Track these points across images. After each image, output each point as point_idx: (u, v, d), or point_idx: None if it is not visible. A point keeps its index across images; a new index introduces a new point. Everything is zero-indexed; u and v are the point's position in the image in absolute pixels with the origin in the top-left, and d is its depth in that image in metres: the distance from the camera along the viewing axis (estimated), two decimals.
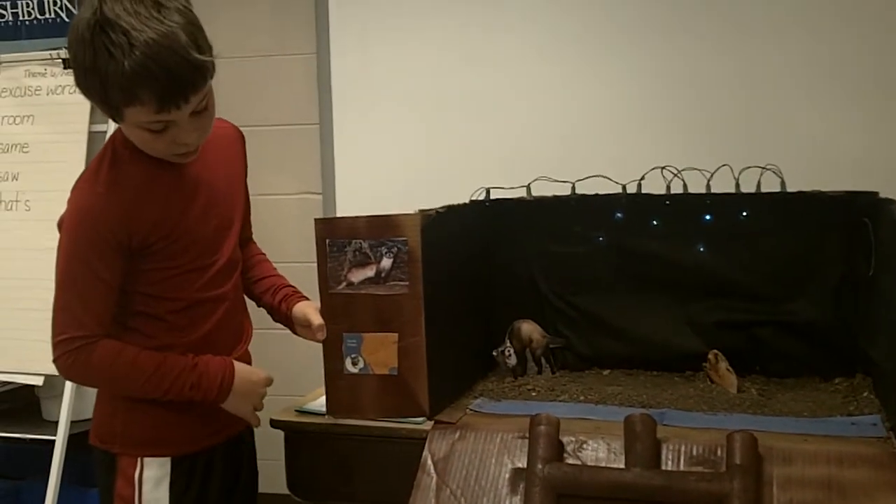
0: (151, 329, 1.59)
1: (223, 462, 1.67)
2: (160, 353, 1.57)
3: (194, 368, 1.58)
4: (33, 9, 2.98)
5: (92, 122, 2.68)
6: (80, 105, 2.62)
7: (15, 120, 2.70)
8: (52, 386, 2.57)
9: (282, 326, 1.84)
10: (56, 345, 1.54)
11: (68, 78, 2.67)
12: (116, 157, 1.55)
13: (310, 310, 1.73)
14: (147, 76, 1.42)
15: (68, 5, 2.96)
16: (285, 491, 1.82)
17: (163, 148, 1.54)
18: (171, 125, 1.50)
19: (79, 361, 1.52)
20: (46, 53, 2.66)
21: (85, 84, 1.47)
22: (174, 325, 1.60)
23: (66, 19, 2.92)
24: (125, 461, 1.60)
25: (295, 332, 1.79)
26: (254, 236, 1.89)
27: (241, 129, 1.80)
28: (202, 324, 1.63)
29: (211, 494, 1.65)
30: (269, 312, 1.85)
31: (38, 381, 2.52)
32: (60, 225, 1.57)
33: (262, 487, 2.97)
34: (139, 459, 1.59)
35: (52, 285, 1.57)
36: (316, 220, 1.71)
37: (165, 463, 1.60)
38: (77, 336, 1.52)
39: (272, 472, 2.76)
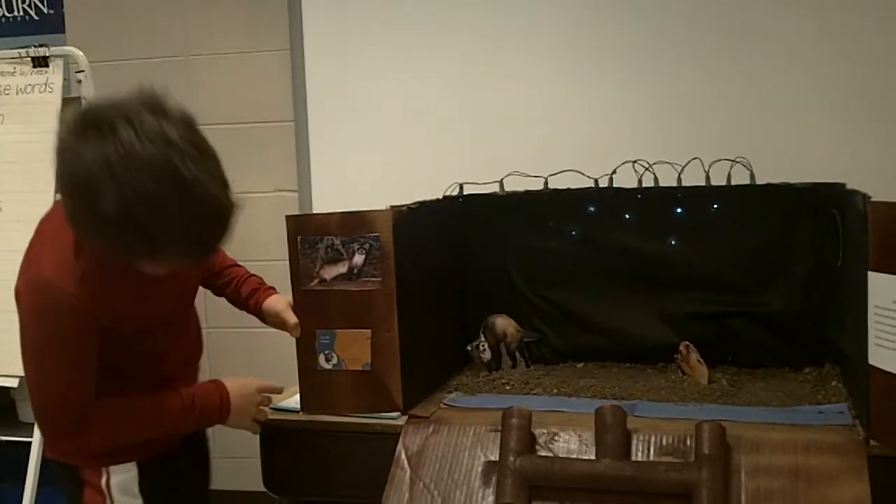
0: (114, 383, 1.50)
1: (187, 458, 1.66)
2: (152, 396, 1.51)
3: (192, 405, 1.53)
4: (1, 6, 2.96)
5: (62, 121, 2.66)
6: (50, 104, 2.59)
7: None
8: (27, 388, 2.55)
9: (257, 324, 1.84)
10: (47, 432, 1.48)
11: (38, 77, 2.65)
12: (73, 248, 1.42)
13: (281, 306, 1.73)
14: (199, 245, 1.36)
15: (38, 3, 2.94)
16: (261, 488, 1.82)
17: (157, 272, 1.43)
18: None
19: (78, 441, 1.48)
20: (15, 52, 2.63)
21: (113, 223, 1.27)
22: (135, 372, 1.54)
23: (36, 17, 2.91)
24: (89, 472, 1.56)
25: (264, 322, 1.79)
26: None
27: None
28: (162, 365, 1.59)
29: (180, 489, 1.65)
30: (231, 301, 1.83)
31: (13, 382, 2.49)
32: (18, 295, 1.43)
33: (239, 485, 2.99)
34: (104, 469, 1.56)
35: None
36: (287, 217, 1.71)
37: (132, 467, 1.57)
38: (67, 420, 1.45)
39: (248, 470, 2.75)
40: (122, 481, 1.57)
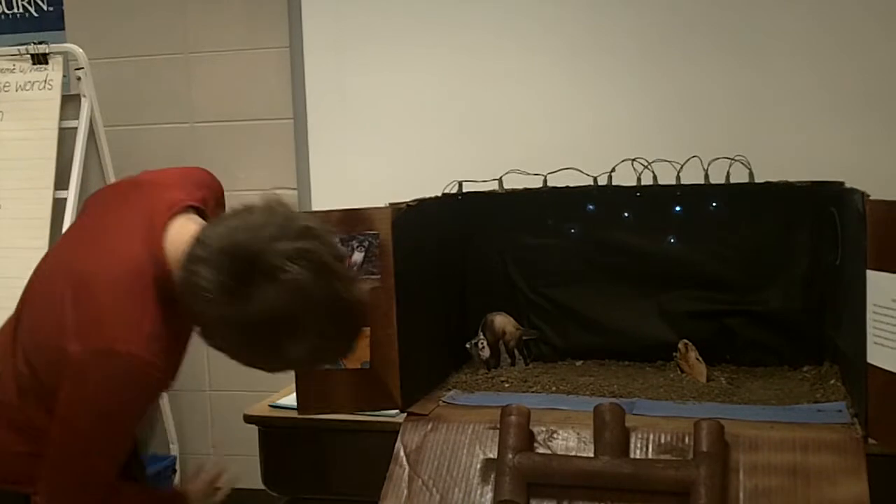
0: None
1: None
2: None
3: None
4: (1, 3, 2.96)
5: (62, 118, 2.66)
6: (50, 101, 2.60)
7: None
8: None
9: None
10: (53, 495, 1.37)
11: (37, 73, 2.65)
12: (164, 320, 1.33)
13: None
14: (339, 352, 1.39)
15: (37, 1, 2.94)
16: (260, 486, 1.82)
17: None
18: None
19: None
20: (15, 49, 2.63)
21: (286, 359, 1.28)
22: None
23: (35, 14, 2.90)
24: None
25: None
26: None
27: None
28: None
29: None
30: None
31: None
32: (71, 360, 1.29)
33: (239, 483, 2.99)
34: None
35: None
36: None
37: None
38: (92, 495, 1.37)
39: (247, 468, 2.75)
40: None
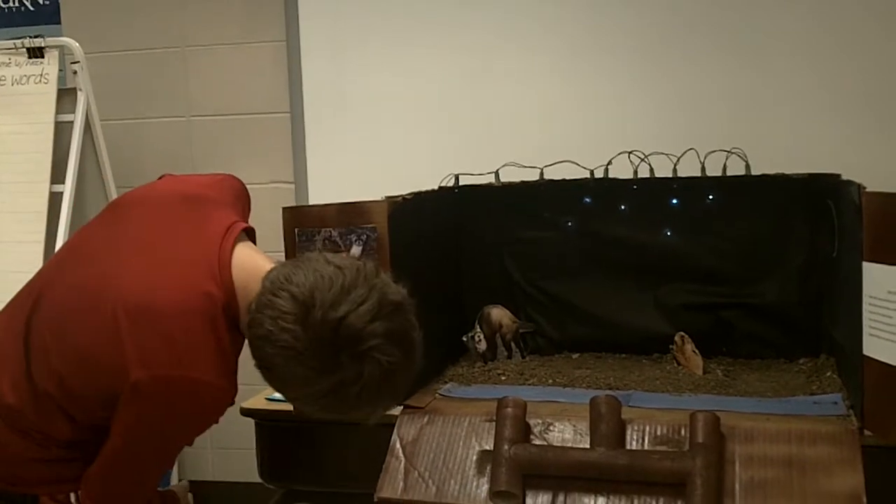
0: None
1: None
2: None
3: None
4: None
5: (58, 112, 2.66)
6: (46, 95, 2.59)
7: None
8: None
9: None
10: (98, 499, 1.38)
11: (33, 68, 2.65)
12: (228, 341, 1.34)
13: None
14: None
15: None
16: (256, 479, 1.82)
17: None
18: None
19: None
20: (11, 43, 2.62)
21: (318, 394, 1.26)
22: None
23: (31, 8, 2.89)
24: (53, 499, 1.42)
25: None
26: None
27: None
28: None
29: None
30: None
31: None
32: (139, 387, 1.27)
33: (234, 476, 3.00)
34: (70, 494, 1.42)
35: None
36: (284, 209, 1.70)
37: None
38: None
39: (242, 461, 2.76)
40: None
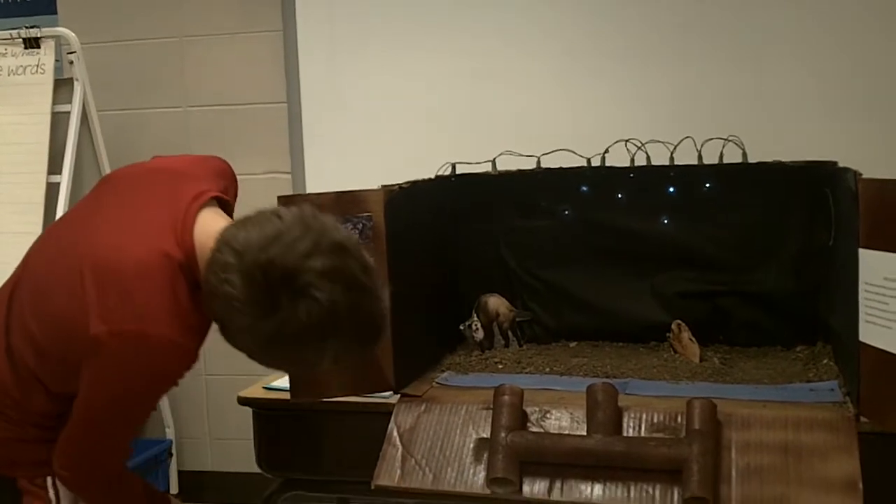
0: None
1: None
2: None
3: None
4: None
5: (55, 102, 2.66)
6: (42, 86, 2.59)
7: None
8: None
9: None
10: (70, 466, 1.38)
11: (29, 58, 2.64)
12: (192, 297, 1.33)
13: None
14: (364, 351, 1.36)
15: None
16: (254, 469, 1.82)
17: None
18: None
19: (97, 487, 1.40)
20: (7, 33, 2.62)
21: (312, 364, 1.28)
22: None
23: None
24: (31, 483, 1.45)
25: None
26: None
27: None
28: None
29: None
30: None
31: None
32: (98, 342, 1.29)
33: (232, 466, 3.00)
34: (47, 478, 1.44)
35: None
36: (279, 197, 1.69)
37: None
38: (97, 471, 1.40)
39: (240, 451, 2.77)
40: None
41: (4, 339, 1.41)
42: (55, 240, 1.47)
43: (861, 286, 1.43)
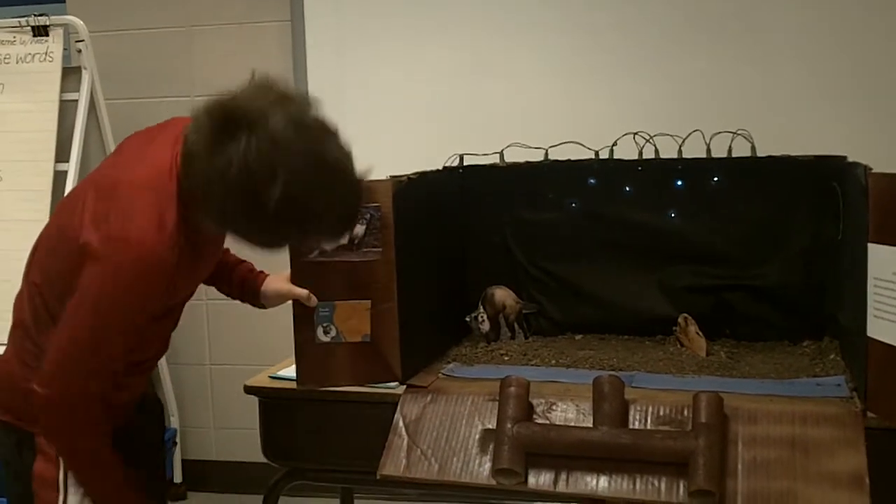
0: None
1: (140, 422, 1.62)
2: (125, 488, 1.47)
3: None
4: None
5: (63, 90, 2.66)
6: (51, 74, 2.60)
7: None
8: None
9: None
10: (47, 383, 1.39)
11: (38, 46, 2.64)
12: (182, 218, 1.38)
13: (283, 284, 1.69)
14: (346, 223, 1.43)
15: None
16: (260, 458, 1.83)
17: None
18: None
19: (66, 420, 1.40)
20: (15, 21, 2.62)
21: (275, 216, 1.30)
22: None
23: None
24: (46, 441, 1.46)
25: (262, 306, 1.75)
26: None
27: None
28: (146, 350, 1.55)
29: (136, 456, 1.57)
30: (224, 289, 1.76)
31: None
32: (87, 249, 1.35)
33: (236, 456, 3.01)
34: None
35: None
36: None
37: None
38: (72, 389, 1.39)
39: (246, 441, 2.77)
40: None
41: (25, 279, 1.50)
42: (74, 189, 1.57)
43: (870, 281, 1.43)
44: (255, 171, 1.26)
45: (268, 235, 1.36)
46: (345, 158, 1.35)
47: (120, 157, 1.51)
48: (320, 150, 1.31)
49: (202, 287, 1.74)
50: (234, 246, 1.54)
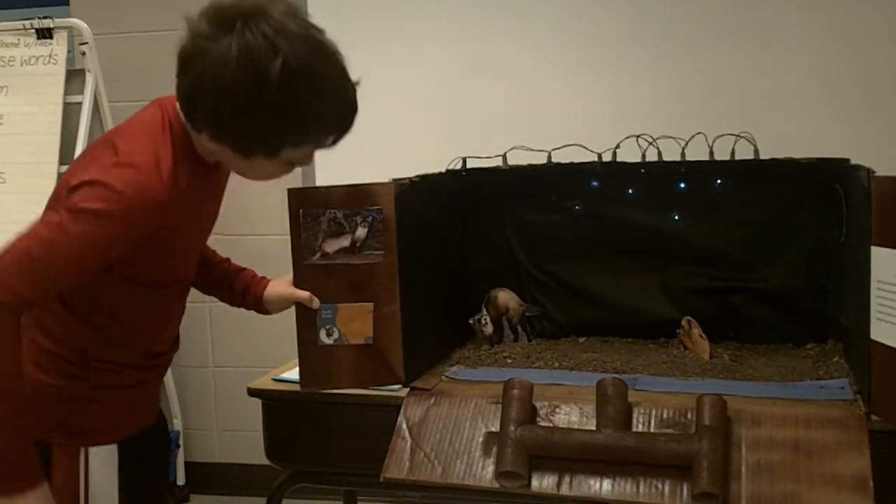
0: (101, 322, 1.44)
1: (150, 440, 1.59)
2: (22, 398, 1.33)
3: (17, 448, 1.32)
4: None
5: (67, 93, 2.66)
6: (55, 76, 2.60)
7: None
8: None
9: None
10: None
11: (42, 48, 2.65)
12: (177, 153, 1.39)
13: (285, 288, 1.69)
14: (344, 115, 1.43)
15: None
16: (263, 461, 1.83)
17: (278, 178, 1.48)
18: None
19: None
20: (20, 24, 2.62)
21: (244, 121, 1.32)
22: (124, 322, 1.46)
23: None
24: (64, 451, 1.44)
25: (265, 312, 1.74)
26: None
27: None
28: (158, 332, 1.53)
29: (149, 473, 1.60)
30: (224, 297, 1.74)
31: None
32: (78, 186, 1.32)
33: (239, 458, 3.01)
34: (82, 449, 1.45)
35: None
36: (289, 190, 1.69)
37: (113, 450, 1.47)
38: (14, 295, 1.29)
39: (248, 443, 2.77)
40: (103, 464, 1.46)
41: None
42: None
43: (873, 284, 1.43)
44: (256, 48, 1.28)
45: (266, 129, 1.34)
46: (339, 54, 1.38)
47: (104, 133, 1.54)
48: (319, 37, 1.35)
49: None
50: (234, 180, 1.54)
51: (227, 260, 1.76)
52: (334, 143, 1.45)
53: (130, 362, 1.50)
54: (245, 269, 1.77)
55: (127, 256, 1.37)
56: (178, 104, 1.40)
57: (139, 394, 1.54)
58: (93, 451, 1.46)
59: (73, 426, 1.45)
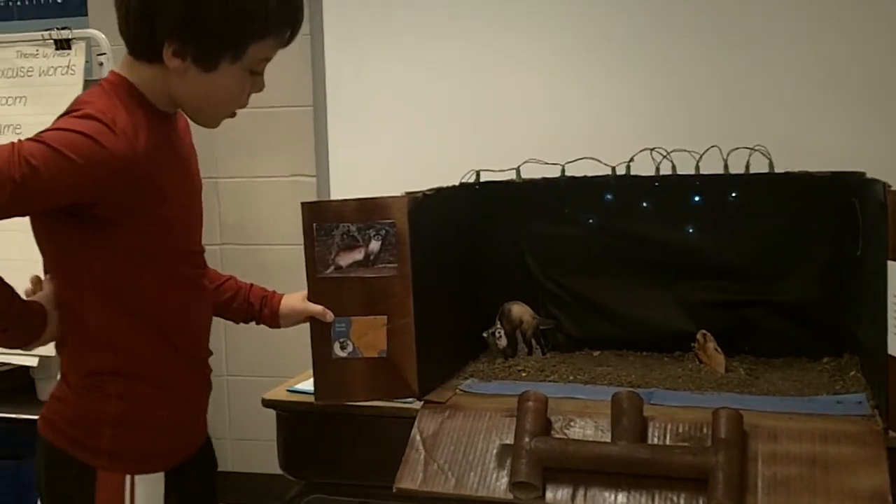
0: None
1: (198, 468, 1.56)
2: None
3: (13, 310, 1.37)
4: None
5: None
6: (73, 87, 2.61)
7: (7, 101, 2.69)
8: (46, 367, 2.58)
9: None
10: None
11: (60, 59, 2.67)
12: (128, 104, 1.36)
13: (299, 303, 1.68)
14: (294, 22, 1.44)
15: None
16: (277, 471, 1.83)
17: (238, 101, 1.48)
18: (259, 73, 1.47)
19: None
20: (38, 34, 2.65)
21: (212, 14, 1.32)
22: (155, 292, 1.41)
23: (58, 0, 2.92)
24: (110, 477, 1.39)
25: (277, 326, 1.72)
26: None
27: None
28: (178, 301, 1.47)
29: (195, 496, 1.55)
30: (234, 317, 1.71)
31: (33, 361, 2.52)
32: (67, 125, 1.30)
33: (253, 468, 3.01)
34: (129, 477, 1.40)
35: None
36: (303, 204, 1.69)
37: (160, 478, 1.43)
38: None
39: (263, 453, 2.77)
40: (147, 494, 1.41)
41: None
42: None
43: (890, 298, 1.42)
44: None
45: (232, 23, 1.34)
46: None
47: None
48: None
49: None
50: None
51: (233, 277, 1.73)
52: (290, 38, 1.46)
53: (178, 371, 1.47)
54: (254, 284, 1.73)
55: (117, 194, 1.33)
56: (124, 54, 1.39)
57: (185, 412, 1.51)
58: (139, 479, 1.41)
59: (120, 451, 1.40)
